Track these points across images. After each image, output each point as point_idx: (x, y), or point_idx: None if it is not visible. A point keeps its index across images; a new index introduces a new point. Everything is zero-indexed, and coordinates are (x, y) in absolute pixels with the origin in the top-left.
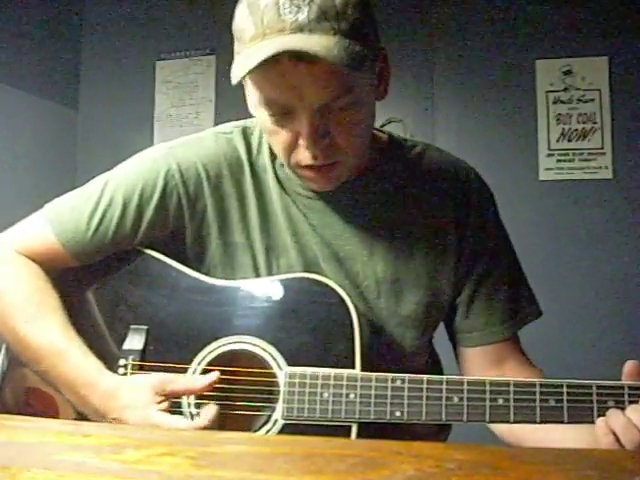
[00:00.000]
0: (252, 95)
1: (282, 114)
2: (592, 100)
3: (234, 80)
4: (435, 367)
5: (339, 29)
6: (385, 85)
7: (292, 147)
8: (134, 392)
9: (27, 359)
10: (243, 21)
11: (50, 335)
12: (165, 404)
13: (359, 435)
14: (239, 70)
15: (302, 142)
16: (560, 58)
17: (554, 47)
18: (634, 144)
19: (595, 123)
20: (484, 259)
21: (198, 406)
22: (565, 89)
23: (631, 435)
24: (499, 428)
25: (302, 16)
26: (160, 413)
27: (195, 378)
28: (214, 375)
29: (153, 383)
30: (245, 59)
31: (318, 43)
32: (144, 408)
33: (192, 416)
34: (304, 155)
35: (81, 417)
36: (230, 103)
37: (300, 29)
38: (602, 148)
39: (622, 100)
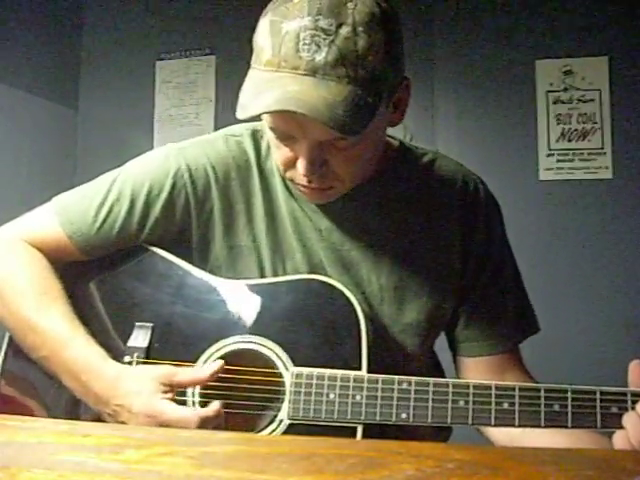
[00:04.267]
0: None
1: (284, 137)
2: (592, 100)
3: (240, 116)
4: (436, 374)
5: (355, 77)
6: (401, 113)
7: (290, 164)
8: (139, 380)
9: (29, 346)
10: (263, 39)
11: (54, 322)
12: (170, 394)
13: (364, 437)
14: (244, 109)
15: (299, 166)
16: (560, 58)
17: (554, 47)
18: (634, 144)
19: (595, 123)
20: (488, 271)
21: (203, 398)
22: (565, 89)
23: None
24: (495, 436)
25: (319, 57)
26: (165, 401)
27: (199, 368)
28: (218, 364)
29: (159, 374)
30: (252, 98)
31: (324, 100)
32: (149, 395)
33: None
34: (300, 177)
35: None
36: (230, 103)
37: (314, 71)
38: (602, 148)
39: (622, 100)
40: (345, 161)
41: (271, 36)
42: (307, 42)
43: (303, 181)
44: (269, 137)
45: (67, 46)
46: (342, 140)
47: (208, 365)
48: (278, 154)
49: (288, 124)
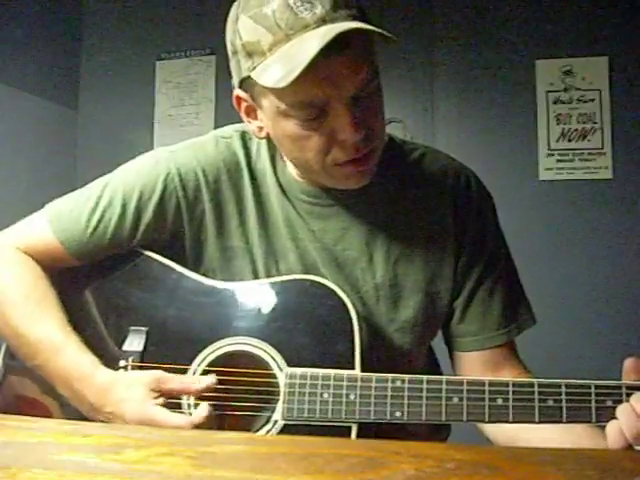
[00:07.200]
0: (270, 108)
1: (314, 116)
2: (592, 100)
3: (286, 81)
4: (434, 372)
5: (353, 15)
6: None
7: (327, 148)
8: (130, 387)
9: (23, 354)
10: (252, 33)
11: (47, 330)
12: (161, 400)
13: (359, 436)
14: (289, 71)
15: (341, 136)
16: (560, 58)
17: (554, 47)
18: (634, 144)
19: (595, 123)
20: (481, 264)
21: (198, 405)
22: (565, 89)
23: (634, 423)
24: (494, 433)
25: (318, 9)
26: (157, 407)
27: (192, 379)
28: (211, 378)
29: (148, 380)
30: (290, 59)
31: (355, 25)
32: (140, 402)
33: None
34: (344, 151)
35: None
36: (230, 103)
37: (323, 21)
38: (602, 148)
39: (622, 100)
40: (376, 114)
41: (259, 24)
42: (299, 4)
43: (350, 153)
44: (290, 136)
45: (67, 46)
46: (370, 83)
47: (201, 378)
48: (309, 145)
49: (320, 87)
